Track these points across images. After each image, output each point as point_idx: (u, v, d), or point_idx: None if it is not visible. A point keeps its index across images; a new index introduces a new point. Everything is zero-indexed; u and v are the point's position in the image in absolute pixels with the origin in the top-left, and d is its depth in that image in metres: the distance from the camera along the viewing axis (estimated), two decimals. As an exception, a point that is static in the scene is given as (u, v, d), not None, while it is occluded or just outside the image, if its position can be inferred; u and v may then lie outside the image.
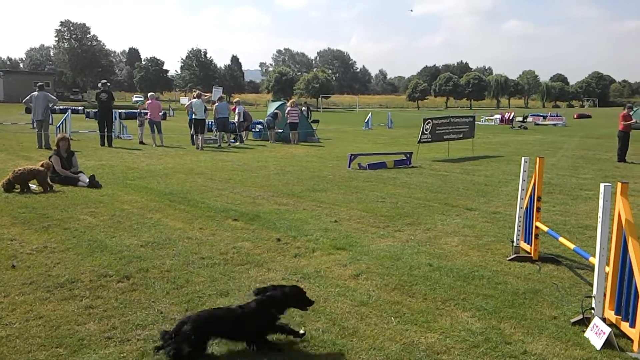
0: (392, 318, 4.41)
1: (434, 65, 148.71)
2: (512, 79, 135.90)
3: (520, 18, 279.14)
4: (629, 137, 17.31)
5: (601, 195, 4.04)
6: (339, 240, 6.77)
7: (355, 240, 6.82)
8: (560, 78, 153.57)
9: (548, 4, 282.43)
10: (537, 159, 5.80)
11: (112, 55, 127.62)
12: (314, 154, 17.63)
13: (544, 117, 45.39)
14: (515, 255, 6.14)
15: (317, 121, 28.54)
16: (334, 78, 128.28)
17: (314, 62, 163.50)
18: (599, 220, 4.07)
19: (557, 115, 47.09)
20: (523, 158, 6.13)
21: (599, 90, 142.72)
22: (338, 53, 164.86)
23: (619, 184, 4.07)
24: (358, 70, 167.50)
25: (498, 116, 44.09)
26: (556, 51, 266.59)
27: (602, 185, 4.05)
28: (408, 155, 14.87)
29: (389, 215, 8.38)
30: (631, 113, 18.22)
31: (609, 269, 4.19)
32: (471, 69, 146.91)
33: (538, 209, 5.82)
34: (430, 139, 17.01)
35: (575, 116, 59.49)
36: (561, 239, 5.24)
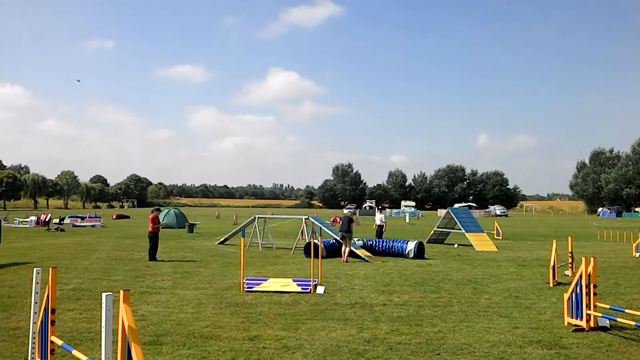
0: None
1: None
2: (51, 179, 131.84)
3: (60, 118, 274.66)
4: (158, 238, 18.79)
5: (103, 305, 4.12)
6: None
7: None
8: (100, 179, 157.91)
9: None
10: (50, 269, 5.57)
11: None
12: None
13: (83, 219, 45.14)
14: (30, 376, 5.63)
15: None
16: None
17: None
18: (103, 328, 4.12)
19: (95, 217, 47.61)
20: (35, 269, 5.78)
21: (137, 191, 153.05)
22: None
23: (122, 292, 4.24)
24: None
25: (34, 218, 41.45)
26: (94, 153, 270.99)
27: (103, 295, 4.15)
28: None
29: None
30: (159, 215, 19.94)
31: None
32: (5, 166, 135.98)
33: (52, 322, 5.53)
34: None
35: (114, 217, 61.31)
36: (75, 352, 5.08)
